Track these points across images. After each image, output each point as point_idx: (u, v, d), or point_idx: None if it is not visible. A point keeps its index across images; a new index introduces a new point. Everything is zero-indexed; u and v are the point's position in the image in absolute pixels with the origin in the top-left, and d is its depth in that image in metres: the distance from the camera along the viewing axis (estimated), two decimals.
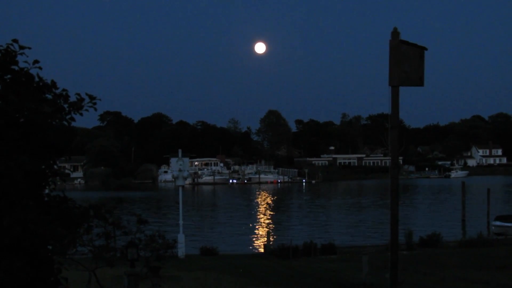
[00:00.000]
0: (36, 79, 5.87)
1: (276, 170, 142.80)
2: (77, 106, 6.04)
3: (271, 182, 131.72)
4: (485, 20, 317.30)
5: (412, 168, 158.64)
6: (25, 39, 5.78)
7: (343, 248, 30.68)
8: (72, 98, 6.04)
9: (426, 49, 10.50)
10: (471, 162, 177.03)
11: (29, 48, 5.86)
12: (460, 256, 25.18)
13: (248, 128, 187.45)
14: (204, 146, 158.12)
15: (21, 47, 5.82)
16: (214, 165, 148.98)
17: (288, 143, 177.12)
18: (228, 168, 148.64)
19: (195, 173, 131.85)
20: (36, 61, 5.87)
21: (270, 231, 38.54)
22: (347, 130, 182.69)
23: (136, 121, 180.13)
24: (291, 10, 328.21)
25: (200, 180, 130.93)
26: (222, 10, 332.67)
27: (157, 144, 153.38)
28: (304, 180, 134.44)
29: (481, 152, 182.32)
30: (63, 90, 6.00)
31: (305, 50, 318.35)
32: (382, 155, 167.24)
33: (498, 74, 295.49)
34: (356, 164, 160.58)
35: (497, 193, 73.42)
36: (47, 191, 5.98)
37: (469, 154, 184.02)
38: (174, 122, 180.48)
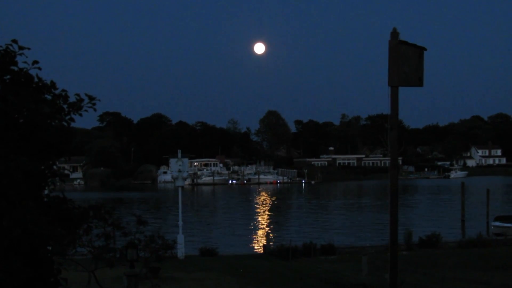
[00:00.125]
0: (36, 79, 5.87)
1: (276, 171, 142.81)
2: (77, 106, 6.05)
3: (271, 183, 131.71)
4: (484, 21, 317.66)
5: (411, 168, 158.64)
6: (24, 40, 5.78)
7: (343, 248, 30.67)
8: (72, 99, 6.04)
9: (425, 49, 10.50)
10: (471, 163, 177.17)
11: (29, 48, 5.87)
12: (459, 257, 25.19)
13: (248, 128, 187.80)
14: (204, 146, 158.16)
15: (21, 48, 5.82)
16: (214, 166, 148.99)
17: (288, 144, 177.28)
18: (228, 169, 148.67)
19: (195, 173, 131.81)
20: (35, 62, 5.87)
21: (270, 231, 38.63)
22: (347, 130, 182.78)
23: (135, 121, 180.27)
24: (290, 11, 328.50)
25: (199, 181, 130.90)
26: (221, 11, 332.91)
27: (156, 144, 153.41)
28: (303, 181, 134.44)
29: (480, 152, 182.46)
30: (63, 90, 6.00)
31: (304, 50, 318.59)
32: (381, 155, 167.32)
33: (497, 74, 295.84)
34: (355, 164, 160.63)
35: (496, 194, 73.41)
36: (46, 191, 5.97)
37: (468, 154, 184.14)
38: (173, 122, 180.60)
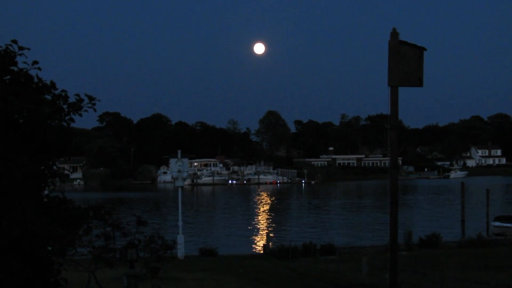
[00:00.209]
0: (35, 79, 5.86)
1: (275, 171, 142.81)
2: (77, 106, 6.04)
3: (271, 183, 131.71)
4: (484, 20, 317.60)
5: (411, 168, 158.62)
6: (24, 40, 5.78)
7: (343, 248, 30.67)
8: (72, 99, 6.03)
9: (425, 49, 10.51)
10: (471, 163, 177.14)
11: (28, 49, 5.86)
12: (459, 257, 25.20)
13: (247, 128, 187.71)
14: (203, 146, 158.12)
15: (20, 48, 5.81)
16: (213, 166, 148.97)
17: (287, 144, 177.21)
18: (228, 169, 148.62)
19: (194, 173, 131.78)
20: (35, 62, 5.86)
21: (270, 231, 38.59)
22: (346, 130, 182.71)
23: (135, 121, 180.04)
24: (290, 11, 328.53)
25: (199, 181, 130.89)
26: (221, 11, 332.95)
27: (156, 144, 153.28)
28: (303, 181, 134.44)
29: (480, 152, 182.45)
30: (62, 90, 5.99)
31: (304, 50, 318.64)
32: (381, 155, 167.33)
33: (497, 74, 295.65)
34: (355, 164, 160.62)
35: (496, 194, 73.38)
36: (46, 192, 5.97)
37: (468, 154, 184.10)
38: (173, 122, 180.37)
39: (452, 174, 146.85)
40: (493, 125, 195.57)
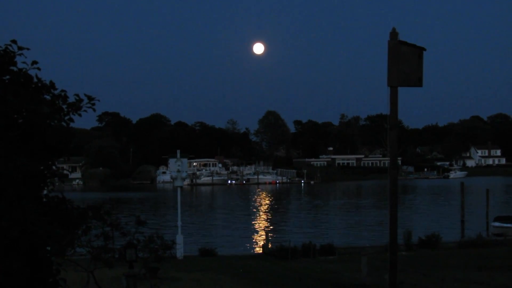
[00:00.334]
0: (35, 79, 5.87)
1: (275, 171, 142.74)
2: (76, 106, 6.04)
3: (270, 183, 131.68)
4: (484, 20, 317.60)
5: (411, 168, 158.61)
6: (23, 40, 5.77)
7: (342, 249, 30.66)
8: (71, 99, 6.04)
9: (424, 49, 10.50)
10: (470, 163, 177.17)
11: (28, 49, 5.86)
12: (459, 257, 25.18)
13: (247, 128, 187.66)
14: (203, 146, 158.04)
15: (20, 48, 5.81)
16: (213, 166, 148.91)
17: (287, 144, 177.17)
18: (227, 169, 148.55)
19: (194, 174, 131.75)
20: (34, 62, 5.87)
21: (269, 232, 38.56)
22: (346, 130, 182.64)
23: (134, 121, 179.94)
24: (289, 10, 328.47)
25: (198, 181, 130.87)
26: (220, 10, 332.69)
27: (155, 144, 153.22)
28: (302, 181, 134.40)
29: (480, 152, 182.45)
30: (62, 90, 5.99)
31: (303, 50, 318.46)
32: (381, 155, 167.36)
33: (497, 74, 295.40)
34: (354, 164, 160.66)
35: (496, 194, 73.34)
36: (45, 192, 5.96)
37: (468, 154, 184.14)
38: (172, 122, 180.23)
39: (452, 174, 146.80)
40: (493, 125, 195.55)
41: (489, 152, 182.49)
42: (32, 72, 5.83)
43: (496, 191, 79.29)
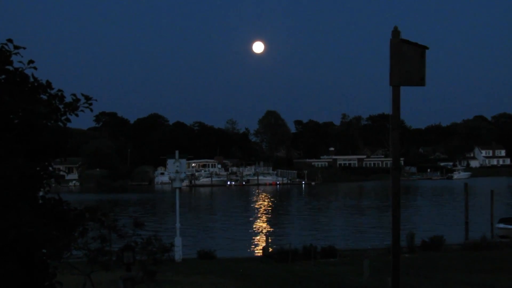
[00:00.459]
0: (31, 79, 5.86)
1: (275, 172, 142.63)
2: (73, 106, 6.02)
3: (270, 184, 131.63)
4: (487, 19, 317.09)
5: (413, 169, 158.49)
6: (20, 39, 5.70)
7: (344, 251, 30.55)
8: (68, 99, 6.05)
9: (427, 48, 10.39)
10: (474, 163, 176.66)
11: (24, 48, 5.86)
12: (463, 259, 25.08)
13: (247, 129, 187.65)
14: (202, 147, 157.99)
15: (16, 47, 5.80)
16: (212, 167, 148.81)
17: (287, 144, 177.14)
18: (226, 170, 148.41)
19: (192, 174, 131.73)
20: (31, 61, 5.86)
21: (269, 234, 38.49)
22: (347, 130, 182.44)
23: (132, 122, 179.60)
24: (289, 9, 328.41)
25: (197, 182, 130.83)
26: (219, 9, 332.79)
27: (153, 145, 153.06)
28: (303, 182, 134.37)
29: (484, 153, 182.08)
30: (59, 90, 5.98)
31: (304, 49, 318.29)
32: (383, 156, 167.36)
33: (501, 73, 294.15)
34: (356, 165, 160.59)
35: (500, 195, 73.01)
36: (41, 193, 5.89)
37: (471, 155, 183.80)
38: (170, 122, 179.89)
39: (455, 175, 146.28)
40: (497, 125, 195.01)
41: (494, 153, 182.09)
42: (28, 72, 5.83)
43: (500, 192, 78.98)
